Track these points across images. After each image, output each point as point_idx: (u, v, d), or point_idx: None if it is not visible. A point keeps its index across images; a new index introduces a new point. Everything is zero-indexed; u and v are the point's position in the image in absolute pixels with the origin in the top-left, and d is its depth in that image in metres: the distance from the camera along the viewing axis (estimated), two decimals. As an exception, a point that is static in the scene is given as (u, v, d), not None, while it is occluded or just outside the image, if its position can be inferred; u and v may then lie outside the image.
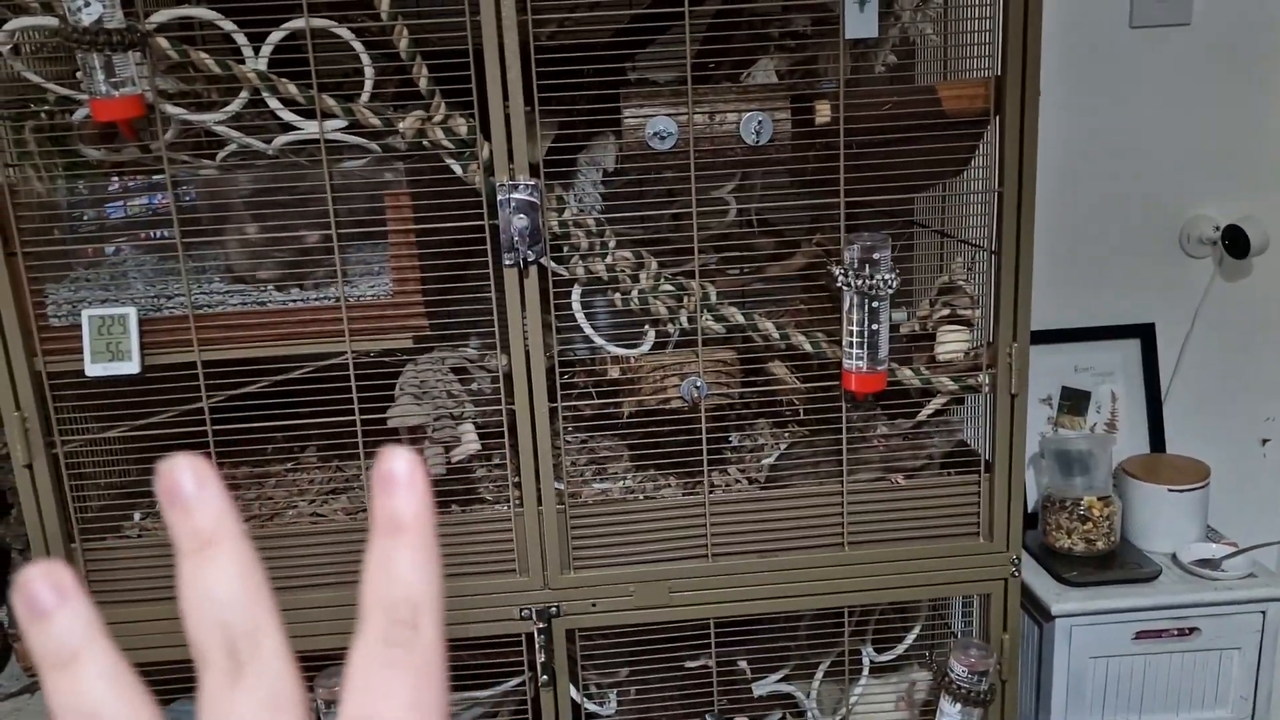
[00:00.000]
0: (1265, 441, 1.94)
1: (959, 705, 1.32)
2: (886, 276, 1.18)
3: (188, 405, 1.23)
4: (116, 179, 1.24)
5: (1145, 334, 1.86)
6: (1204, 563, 1.67)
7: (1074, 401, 1.86)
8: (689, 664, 1.42)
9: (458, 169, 1.20)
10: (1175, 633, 1.62)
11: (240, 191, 1.22)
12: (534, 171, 1.19)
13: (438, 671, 0.27)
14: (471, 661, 1.37)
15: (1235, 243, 1.79)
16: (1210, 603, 1.62)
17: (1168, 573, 1.66)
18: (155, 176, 1.20)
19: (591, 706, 1.39)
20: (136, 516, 1.34)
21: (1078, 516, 1.69)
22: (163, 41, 1.14)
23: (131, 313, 1.18)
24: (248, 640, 0.26)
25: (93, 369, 1.18)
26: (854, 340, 1.21)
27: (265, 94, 1.16)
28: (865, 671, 1.45)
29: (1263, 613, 1.62)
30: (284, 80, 1.16)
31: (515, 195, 1.18)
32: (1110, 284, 1.85)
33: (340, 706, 0.27)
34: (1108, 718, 1.66)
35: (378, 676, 0.26)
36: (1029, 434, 1.76)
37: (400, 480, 0.28)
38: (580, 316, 1.27)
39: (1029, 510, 1.79)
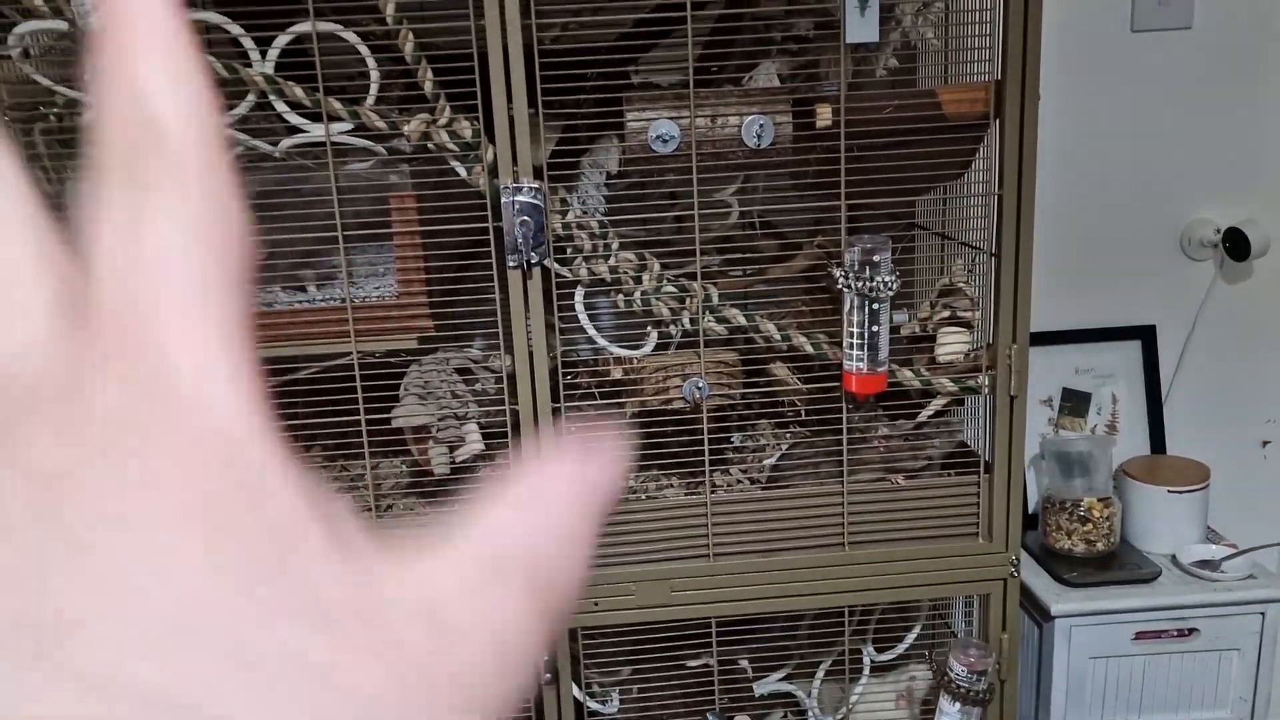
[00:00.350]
0: (1266, 443, 1.95)
1: (958, 704, 1.33)
2: (887, 279, 1.19)
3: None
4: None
5: (1146, 336, 1.87)
6: (1204, 564, 1.68)
7: (1075, 403, 1.86)
8: (691, 663, 1.43)
9: (462, 171, 1.22)
10: (1175, 633, 1.63)
11: (247, 193, 1.23)
12: (537, 174, 1.20)
13: (227, 221, 0.19)
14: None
15: (1236, 245, 1.80)
16: (1210, 604, 1.62)
17: (1167, 574, 1.67)
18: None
19: (594, 705, 1.40)
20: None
21: (1078, 517, 1.70)
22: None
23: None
24: (178, 145, 0.19)
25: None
26: (854, 342, 1.22)
27: (272, 97, 1.18)
28: (866, 671, 1.46)
29: (1262, 614, 1.62)
30: (290, 83, 1.17)
31: (519, 197, 1.19)
32: (1112, 286, 1.86)
33: (91, 280, 0.18)
34: (1107, 718, 1.67)
35: (132, 230, 0.18)
36: (1030, 435, 1.77)
37: None
38: (583, 318, 1.28)
39: (1029, 511, 1.80)
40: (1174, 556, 1.71)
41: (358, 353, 1.23)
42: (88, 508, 0.16)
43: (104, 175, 0.19)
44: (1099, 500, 1.69)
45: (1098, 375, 1.86)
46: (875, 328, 1.21)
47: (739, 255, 1.39)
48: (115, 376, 0.17)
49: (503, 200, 1.19)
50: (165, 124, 0.19)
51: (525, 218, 1.19)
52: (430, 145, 1.20)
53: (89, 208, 0.19)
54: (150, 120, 0.19)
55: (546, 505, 0.20)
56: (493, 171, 1.20)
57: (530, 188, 1.19)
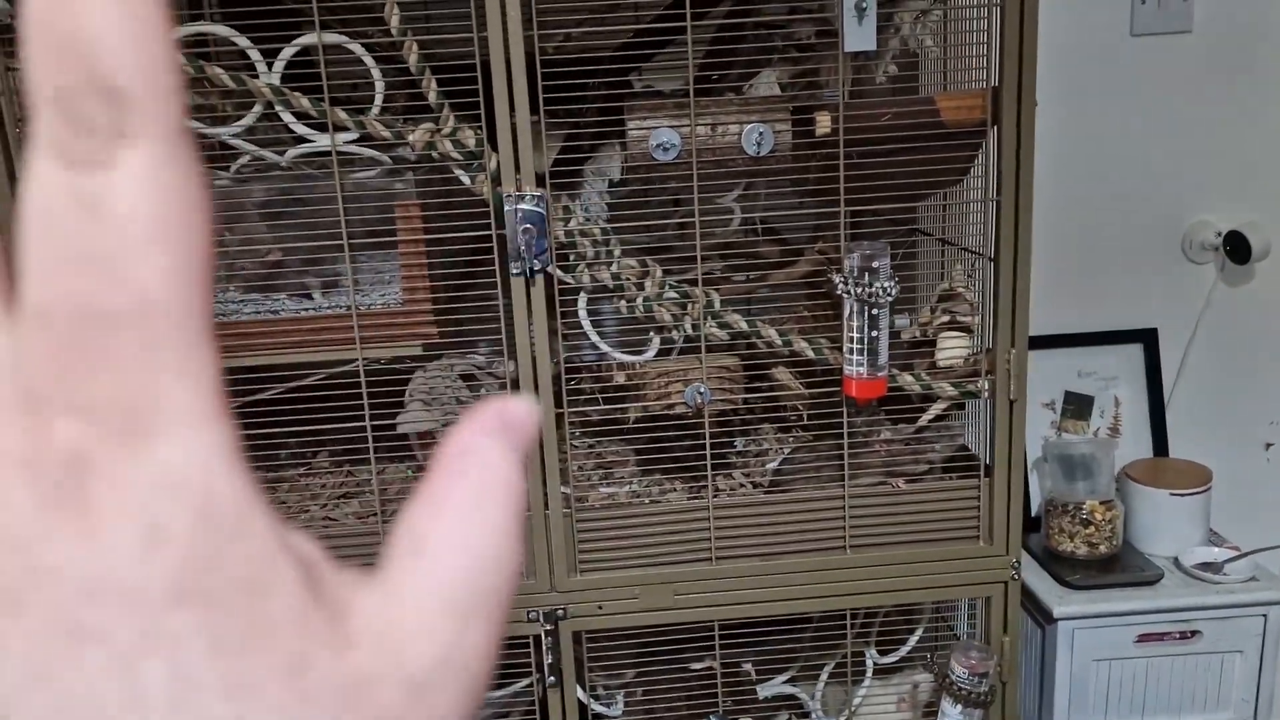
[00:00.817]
0: (1269, 446, 1.95)
1: (959, 706, 1.34)
2: (886, 284, 1.20)
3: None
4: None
5: (1148, 339, 1.88)
6: (1206, 566, 1.69)
7: (1077, 406, 1.87)
8: (694, 666, 1.44)
9: (466, 180, 1.23)
10: (1177, 636, 1.63)
11: (254, 202, 1.25)
12: (540, 182, 1.22)
13: (194, 208, 0.16)
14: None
15: (1237, 249, 1.80)
16: (1212, 606, 1.63)
17: (1170, 576, 1.68)
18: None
19: (598, 708, 1.41)
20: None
21: (1080, 520, 1.70)
22: (179, 57, 1.17)
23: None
24: (127, 104, 0.15)
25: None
26: (854, 347, 1.23)
27: (278, 107, 1.19)
28: (869, 674, 1.47)
29: (1264, 616, 1.63)
30: (296, 94, 1.19)
31: (522, 205, 1.20)
32: (1114, 289, 1.87)
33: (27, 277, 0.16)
34: (1111, 720, 1.67)
35: (67, 229, 0.15)
36: (1033, 438, 1.78)
37: None
38: (586, 324, 1.29)
39: (1032, 514, 1.81)
40: (1176, 559, 1.71)
41: (363, 359, 1.24)
42: (65, 580, 0.15)
43: (42, 153, 0.15)
44: (1101, 503, 1.70)
45: (1100, 378, 1.87)
46: (875, 333, 1.23)
47: (740, 261, 1.41)
48: (74, 408, 0.16)
49: (506, 208, 1.21)
50: (120, 85, 0.15)
51: (528, 225, 1.21)
52: (434, 154, 1.21)
53: (24, 191, 0.16)
54: (101, 81, 0.15)
55: (471, 506, 0.19)
56: (496, 180, 1.21)
57: (533, 195, 1.20)
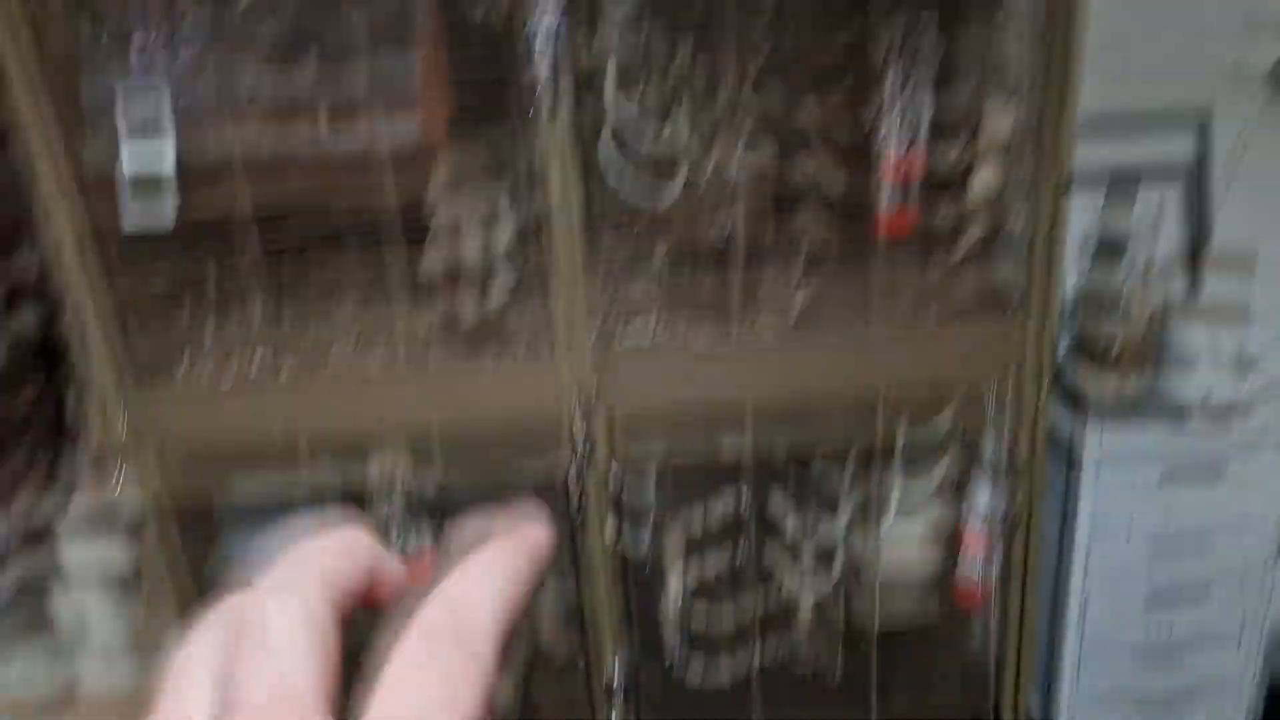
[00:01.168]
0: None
1: (989, 481, 1.35)
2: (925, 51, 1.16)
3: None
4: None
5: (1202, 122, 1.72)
6: (1234, 405, 1.68)
7: (1120, 192, 1.76)
8: (721, 505, 1.46)
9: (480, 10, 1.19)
10: (1203, 471, 1.64)
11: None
12: (559, 7, 1.17)
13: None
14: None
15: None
16: (1239, 444, 1.63)
17: (1199, 412, 1.68)
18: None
19: (626, 542, 1.44)
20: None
21: (1109, 361, 1.69)
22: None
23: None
24: None
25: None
26: (894, 126, 1.20)
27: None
28: (892, 511, 1.49)
29: (1291, 451, 1.63)
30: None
31: (541, 31, 1.16)
32: (1166, 71, 1.71)
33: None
34: (1133, 556, 1.70)
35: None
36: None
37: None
38: (611, 158, 1.26)
39: (1058, 358, 1.80)
40: (1205, 396, 1.71)
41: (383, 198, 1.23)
42: None
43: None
44: (1130, 342, 1.69)
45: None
46: (916, 128, 1.19)
47: (770, 91, 1.36)
48: None
49: (526, 33, 1.17)
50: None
51: (550, 56, 1.17)
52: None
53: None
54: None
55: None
56: (515, 6, 1.17)
57: (551, 21, 1.16)
